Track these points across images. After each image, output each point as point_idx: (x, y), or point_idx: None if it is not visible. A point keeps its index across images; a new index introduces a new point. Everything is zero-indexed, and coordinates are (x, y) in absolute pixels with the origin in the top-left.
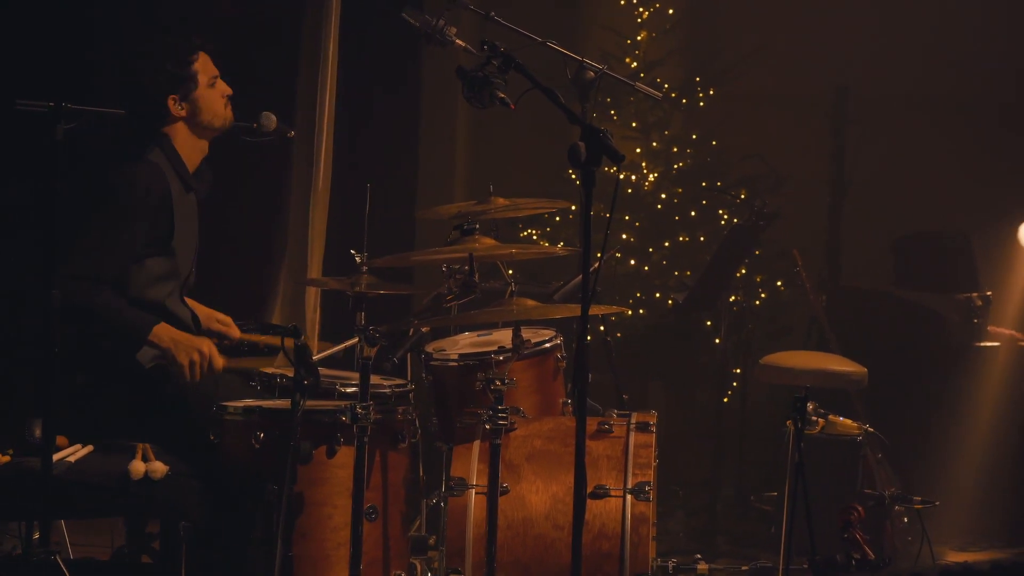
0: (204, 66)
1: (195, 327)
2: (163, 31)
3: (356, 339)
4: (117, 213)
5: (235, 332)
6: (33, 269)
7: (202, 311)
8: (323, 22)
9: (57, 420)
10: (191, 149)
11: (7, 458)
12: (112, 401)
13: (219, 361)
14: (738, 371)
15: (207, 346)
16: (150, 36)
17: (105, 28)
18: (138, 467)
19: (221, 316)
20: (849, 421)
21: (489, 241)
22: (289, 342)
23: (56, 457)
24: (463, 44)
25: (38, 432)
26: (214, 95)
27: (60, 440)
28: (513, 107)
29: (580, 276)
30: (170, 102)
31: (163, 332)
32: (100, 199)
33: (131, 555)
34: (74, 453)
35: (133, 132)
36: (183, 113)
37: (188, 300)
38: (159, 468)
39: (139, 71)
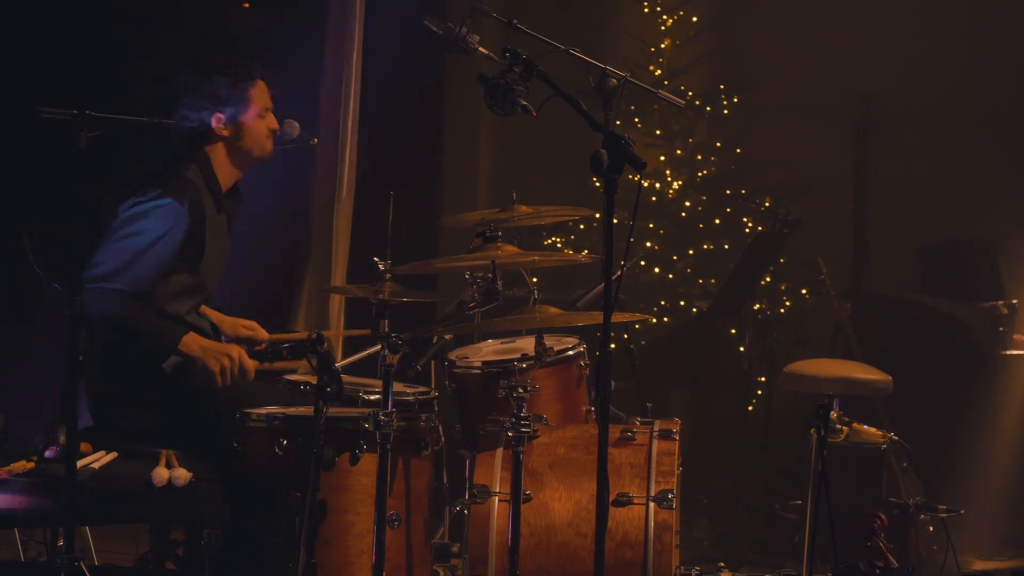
0: (259, 95)
1: (216, 336)
2: (227, 47)
3: (379, 346)
4: (149, 229)
5: (263, 334)
6: (59, 277)
7: (226, 320)
8: (346, 29)
9: (81, 427)
10: (227, 171)
11: (31, 464)
12: (136, 408)
13: (249, 365)
14: (762, 379)
15: (236, 351)
16: (211, 48)
17: (137, 39)
18: (162, 474)
19: (246, 322)
20: (873, 429)
21: (512, 248)
22: (313, 354)
23: (80, 464)
24: (485, 51)
25: (62, 438)
26: (260, 126)
27: (84, 447)
28: (535, 114)
29: (603, 284)
30: (215, 119)
31: (192, 341)
32: (134, 213)
33: (155, 561)
34: (98, 460)
35: (175, 147)
36: (226, 133)
37: (208, 310)
38: (183, 475)
39: (191, 82)
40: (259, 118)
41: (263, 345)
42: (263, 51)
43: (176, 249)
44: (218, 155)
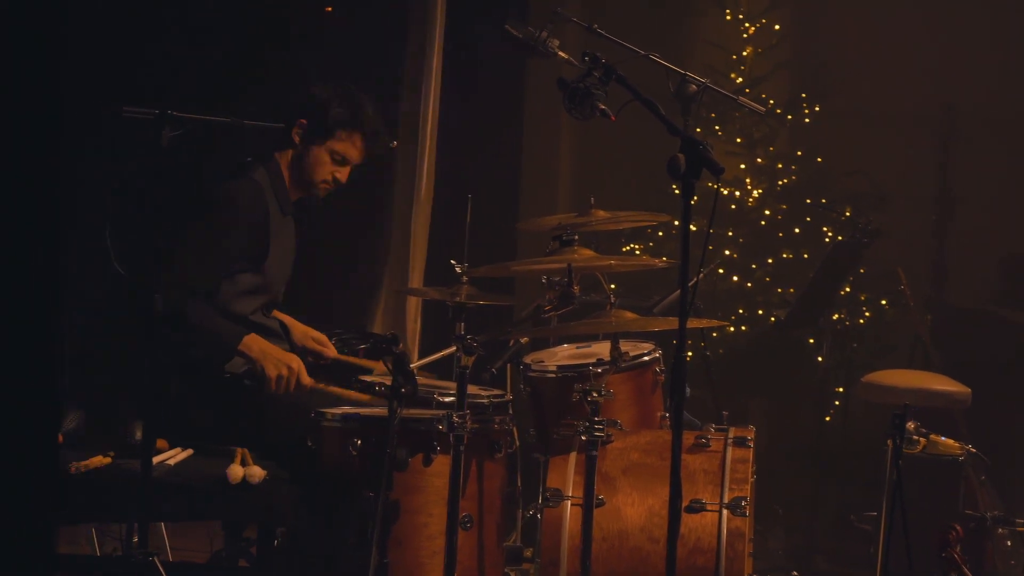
0: (348, 142)
1: (285, 336)
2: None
3: (454, 348)
4: (215, 227)
5: (331, 352)
6: (133, 274)
7: (298, 327)
8: (427, 33)
9: (158, 423)
10: (295, 182)
11: (108, 460)
12: (211, 405)
13: (307, 380)
14: (840, 389)
15: (296, 363)
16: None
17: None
18: (236, 471)
19: (317, 335)
20: (951, 441)
21: (588, 252)
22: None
23: (156, 460)
24: (565, 56)
25: (139, 435)
26: (326, 165)
27: (160, 443)
28: (614, 118)
29: (679, 290)
30: (297, 124)
31: (253, 343)
32: (200, 212)
33: (228, 559)
34: (174, 456)
35: (245, 149)
36: (296, 140)
37: (280, 314)
38: (257, 473)
39: (305, 91)
40: (330, 158)
41: (327, 362)
42: (337, 57)
43: (240, 246)
44: (284, 163)
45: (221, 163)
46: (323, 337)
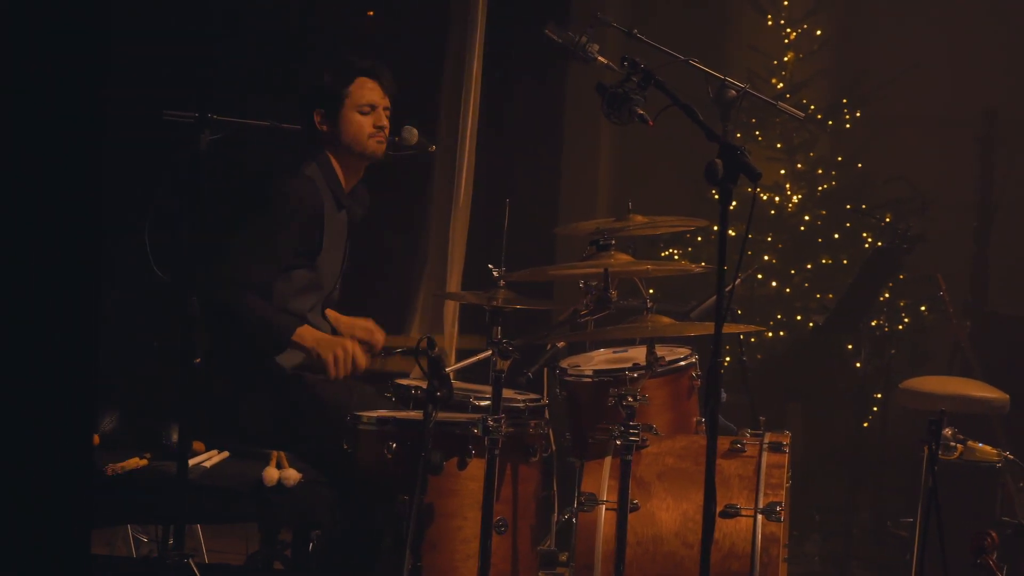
0: (360, 91)
1: (334, 332)
2: (329, 46)
3: (489, 352)
4: (269, 223)
5: (380, 335)
6: (171, 277)
7: (343, 320)
8: (467, 37)
9: (194, 425)
10: (346, 169)
11: (144, 462)
12: (249, 408)
13: (362, 359)
14: (878, 395)
15: (350, 344)
16: (312, 47)
17: (251, 45)
18: (272, 474)
19: (363, 322)
20: (988, 447)
21: (625, 257)
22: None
23: (192, 462)
24: (605, 61)
25: (175, 437)
26: (361, 122)
27: (196, 445)
28: (652, 124)
29: (715, 295)
30: (316, 116)
31: (306, 333)
32: (255, 209)
33: (263, 561)
34: (210, 458)
35: (294, 146)
36: (326, 129)
37: (328, 311)
38: (292, 475)
39: (297, 80)
40: (359, 114)
41: (378, 348)
42: (377, 51)
43: (294, 242)
44: (332, 155)
45: (266, 163)
46: (370, 322)
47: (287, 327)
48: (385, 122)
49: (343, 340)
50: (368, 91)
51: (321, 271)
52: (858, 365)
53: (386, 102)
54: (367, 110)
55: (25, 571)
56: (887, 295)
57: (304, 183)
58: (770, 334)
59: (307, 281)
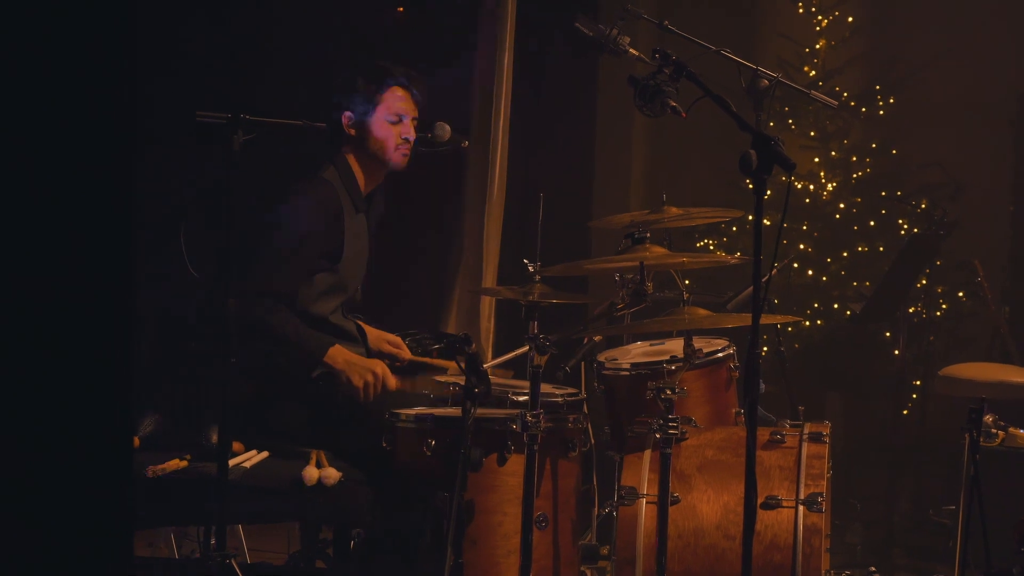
0: (392, 99)
1: (362, 341)
2: (366, 53)
3: (526, 347)
4: (292, 232)
5: (406, 354)
6: (208, 279)
7: (372, 332)
8: (498, 31)
9: (233, 426)
10: (365, 174)
11: (185, 463)
12: (286, 408)
13: (392, 381)
14: (918, 383)
15: (380, 368)
16: (350, 51)
17: (282, 44)
18: (312, 473)
19: (391, 337)
20: None
21: (660, 250)
22: (461, 357)
23: (232, 463)
24: (636, 53)
25: (215, 438)
26: (389, 131)
27: (236, 446)
28: (684, 115)
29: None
30: (344, 118)
31: (338, 355)
32: (276, 217)
33: (305, 560)
34: (250, 459)
35: (313, 149)
36: (352, 133)
37: (358, 321)
38: (332, 474)
39: (331, 80)
40: (388, 123)
41: (402, 363)
42: (409, 58)
43: (317, 247)
44: (352, 158)
45: (290, 167)
46: (397, 339)
47: (319, 348)
48: (412, 134)
49: (373, 364)
50: (400, 101)
51: (344, 273)
52: (896, 353)
53: (415, 113)
54: (395, 119)
55: (68, 575)
56: (924, 282)
57: (324, 188)
58: (807, 323)
59: (329, 284)
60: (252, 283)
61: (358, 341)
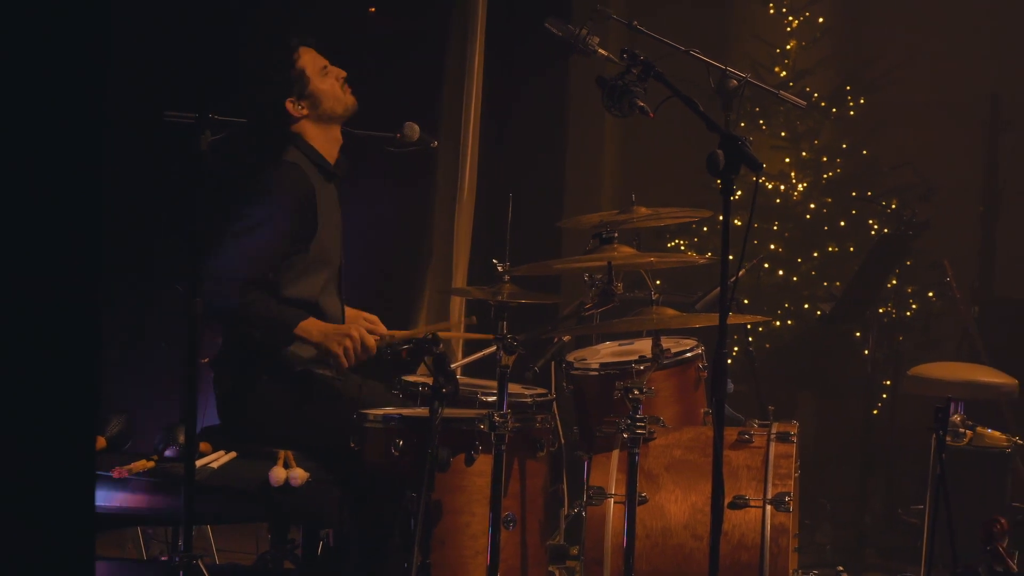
0: (309, 60)
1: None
2: (264, 41)
3: (494, 347)
4: (260, 217)
5: (381, 329)
6: (178, 275)
7: (349, 311)
8: (468, 33)
9: (200, 427)
10: (324, 140)
11: (152, 464)
12: (255, 408)
13: (370, 341)
14: (888, 383)
15: (356, 330)
16: (258, 51)
17: (250, 43)
18: (279, 473)
19: (367, 315)
20: (998, 433)
21: (628, 250)
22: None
23: (199, 463)
24: (605, 53)
25: (181, 438)
26: (329, 82)
27: (203, 446)
28: (652, 115)
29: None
30: (289, 105)
31: (311, 326)
32: (244, 204)
33: (274, 561)
34: (217, 459)
35: (270, 138)
36: (305, 112)
37: None
38: (300, 475)
39: (255, 86)
40: (322, 77)
41: (381, 341)
42: (380, 57)
43: (287, 229)
44: (309, 129)
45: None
46: (374, 317)
47: (290, 321)
48: (342, 72)
49: (349, 327)
50: (314, 56)
51: (322, 247)
52: (866, 353)
53: (326, 60)
54: (325, 71)
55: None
56: (894, 282)
57: (289, 170)
58: (777, 323)
59: (307, 263)
60: (224, 269)
61: (341, 323)
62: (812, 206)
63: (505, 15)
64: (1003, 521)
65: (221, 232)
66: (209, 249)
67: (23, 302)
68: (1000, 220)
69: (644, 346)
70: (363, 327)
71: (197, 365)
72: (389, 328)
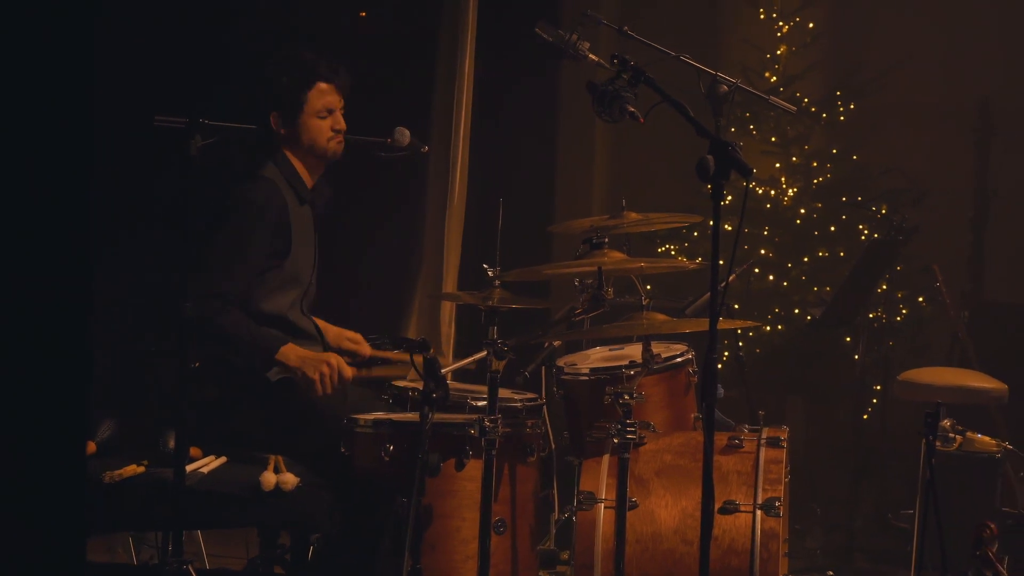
0: (320, 96)
1: (320, 339)
2: (296, 49)
3: (484, 352)
4: (237, 231)
5: (365, 350)
6: (165, 283)
7: (331, 330)
8: (459, 38)
9: (190, 432)
10: (307, 167)
11: (142, 469)
12: (244, 413)
13: (348, 371)
14: (878, 387)
15: (335, 359)
16: (278, 51)
17: (241, 46)
18: (269, 478)
19: (351, 334)
20: (987, 438)
21: (618, 255)
22: (419, 358)
23: (189, 468)
24: (596, 59)
25: (172, 443)
26: (320, 126)
27: (194, 451)
28: (642, 120)
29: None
30: (272, 119)
31: (290, 352)
32: (220, 218)
33: (264, 565)
34: (207, 464)
35: (253, 151)
36: (283, 133)
37: (316, 319)
38: (290, 479)
39: (258, 83)
40: (318, 119)
41: (362, 359)
42: (370, 62)
43: (264, 247)
44: (290, 154)
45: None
46: (356, 335)
47: (270, 347)
48: (343, 124)
49: (327, 356)
50: (326, 96)
51: (295, 267)
52: (856, 357)
53: (342, 102)
54: (325, 115)
55: None
56: (884, 287)
57: (264, 185)
58: (768, 328)
59: (280, 280)
60: (202, 285)
61: (317, 340)
62: (802, 211)
63: (495, 20)
64: (992, 526)
65: (199, 247)
66: (192, 263)
67: (12, 306)
68: (990, 225)
69: (634, 351)
70: (339, 358)
71: (188, 370)
72: (377, 331)
